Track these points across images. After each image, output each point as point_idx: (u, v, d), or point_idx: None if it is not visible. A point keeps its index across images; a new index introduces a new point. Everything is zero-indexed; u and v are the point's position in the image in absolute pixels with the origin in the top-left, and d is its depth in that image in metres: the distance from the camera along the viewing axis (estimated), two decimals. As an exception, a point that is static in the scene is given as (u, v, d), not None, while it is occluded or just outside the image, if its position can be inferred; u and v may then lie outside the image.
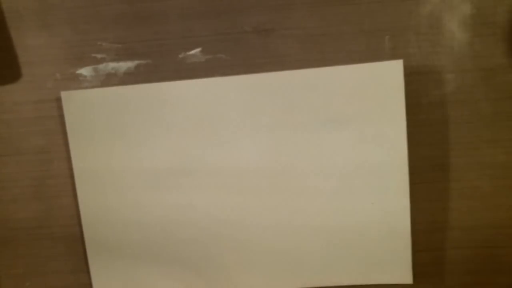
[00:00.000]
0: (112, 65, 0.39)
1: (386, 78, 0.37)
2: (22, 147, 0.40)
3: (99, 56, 0.39)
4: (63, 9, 0.39)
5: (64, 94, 0.39)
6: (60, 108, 0.39)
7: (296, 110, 0.38)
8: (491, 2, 0.37)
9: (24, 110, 0.40)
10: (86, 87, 0.39)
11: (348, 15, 0.38)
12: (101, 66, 0.39)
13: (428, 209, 0.40)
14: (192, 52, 0.39)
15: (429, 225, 0.40)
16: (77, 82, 0.39)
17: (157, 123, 0.39)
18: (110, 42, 0.39)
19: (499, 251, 0.40)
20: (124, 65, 0.39)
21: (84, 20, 0.39)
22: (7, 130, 0.40)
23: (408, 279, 0.39)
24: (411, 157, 0.39)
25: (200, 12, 0.38)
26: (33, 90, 0.40)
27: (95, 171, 0.40)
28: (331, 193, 0.39)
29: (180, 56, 0.39)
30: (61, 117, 0.40)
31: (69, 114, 0.39)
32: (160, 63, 0.39)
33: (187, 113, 0.39)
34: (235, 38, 0.39)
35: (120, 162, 0.39)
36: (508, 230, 0.40)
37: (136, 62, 0.39)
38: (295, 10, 0.38)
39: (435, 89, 0.39)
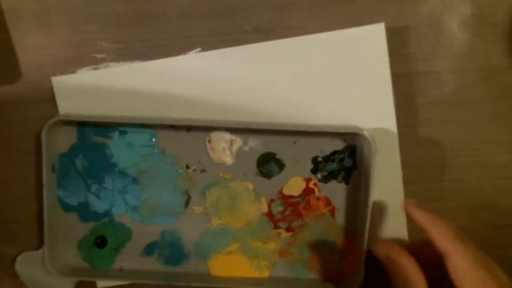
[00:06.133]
0: (112, 65, 0.39)
1: (369, 42, 0.37)
2: (22, 147, 0.40)
3: (99, 56, 0.39)
4: (63, 9, 0.39)
5: (55, 80, 0.39)
6: (60, 108, 0.39)
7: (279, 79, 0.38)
8: (491, 2, 0.37)
9: (24, 110, 0.40)
10: (86, 87, 0.39)
11: (348, 15, 0.38)
12: (101, 66, 0.39)
13: (428, 209, 0.40)
14: (192, 52, 0.39)
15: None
16: (77, 82, 0.39)
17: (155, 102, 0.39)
18: (110, 42, 0.39)
19: (498, 251, 0.40)
20: (124, 65, 0.39)
21: (84, 20, 0.39)
22: (7, 130, 0.40)
23: None
24: (411, 157, 0.39)
25: (200, 12, 0.38)
26: (33, 90, 0.40)
27: None
28: None
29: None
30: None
31: (61, 100, 0.39)
32: (160, 63, 0.39)
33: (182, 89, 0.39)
34: (236, 38, 0.38)
35: None
36: (508, 230, 0.40)
37: (136, 62, 0.39)
38: (296, 10, 0.38)
39: (435, 89, 0.39)
